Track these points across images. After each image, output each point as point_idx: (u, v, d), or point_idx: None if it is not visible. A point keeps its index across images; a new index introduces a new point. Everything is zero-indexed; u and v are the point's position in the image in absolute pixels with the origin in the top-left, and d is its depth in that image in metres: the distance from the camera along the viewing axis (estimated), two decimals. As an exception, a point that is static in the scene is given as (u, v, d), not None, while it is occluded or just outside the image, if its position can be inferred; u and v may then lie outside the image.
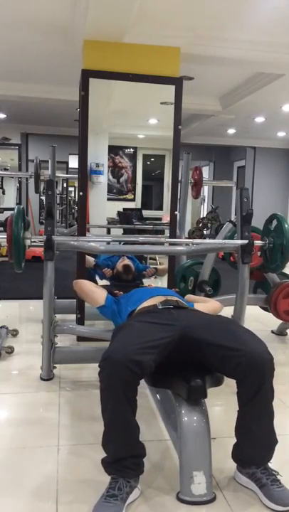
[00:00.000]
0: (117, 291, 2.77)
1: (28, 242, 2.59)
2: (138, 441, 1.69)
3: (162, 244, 3.61)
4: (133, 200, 5.86)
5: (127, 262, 3.42)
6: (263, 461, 1.74)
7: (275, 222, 2.85)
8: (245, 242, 2.66)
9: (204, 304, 2.43)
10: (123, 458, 1.64)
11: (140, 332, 1.78)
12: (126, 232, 5.06)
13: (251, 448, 1.74)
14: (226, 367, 1.74)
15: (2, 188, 9.58)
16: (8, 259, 2.60)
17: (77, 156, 3.62)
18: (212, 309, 2.40)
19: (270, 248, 2.81)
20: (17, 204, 7.48)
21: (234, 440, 1.80)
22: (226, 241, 2.87)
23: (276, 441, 1.75)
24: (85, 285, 2.59)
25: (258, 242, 2.78)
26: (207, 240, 6.16)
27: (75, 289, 2.66)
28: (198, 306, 2.33)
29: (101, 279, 3.72)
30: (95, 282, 3.78)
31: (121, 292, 2.71)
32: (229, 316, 2.74)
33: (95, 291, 2.52)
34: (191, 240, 3.21)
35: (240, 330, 1.91)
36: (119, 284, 3.36)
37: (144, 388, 2.22)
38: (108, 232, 4.97)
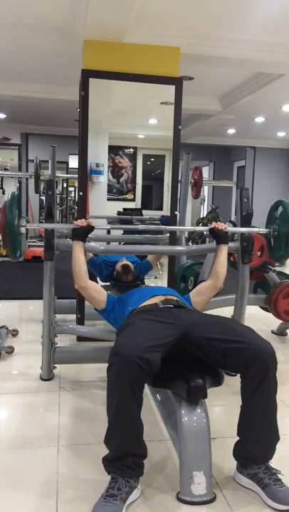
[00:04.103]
0: None
1: (23, 229, 2.49)
2: (141, 440, 1.68)
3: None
4: (133, 200, 5.85)
5: (126, 261, 3.41)
6: (264, 458, 1.74)
7: (280, 209, 2.76)
8: (245, 242, 2.66)
9: (200, 286, 2.42)
10: (124, 456, 1.64)
11: (146, 330, 1.79)
12: (126, 232, 5.06)
13: (253, 443, 1.73)
14: (228, 360, 1.74)
15: (2, 188, 9.57)
16: (3, 248, 2.50)
17: (77, 156, 3.62)
18: (207, 285, 2.39)
19: (275, 236, 2.75)
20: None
21: (234, 440, 1.80)
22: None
23: (278, 438, 1.75)
24: (90, 291, 2.36)
25: (262, 230, 2.70)
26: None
27: (78, 289, 2.47)
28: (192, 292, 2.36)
29: (102, 280, 3.71)
30: (95, 282, 3.79)
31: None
32: (229, 316, 2.75)
33: (96, 296, 2.36)
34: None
35: (240, 326, 1.98)
36: (119, 285, 3.36)
37: (144, 388, 2.21)
38: (108, 232, 4.96)
